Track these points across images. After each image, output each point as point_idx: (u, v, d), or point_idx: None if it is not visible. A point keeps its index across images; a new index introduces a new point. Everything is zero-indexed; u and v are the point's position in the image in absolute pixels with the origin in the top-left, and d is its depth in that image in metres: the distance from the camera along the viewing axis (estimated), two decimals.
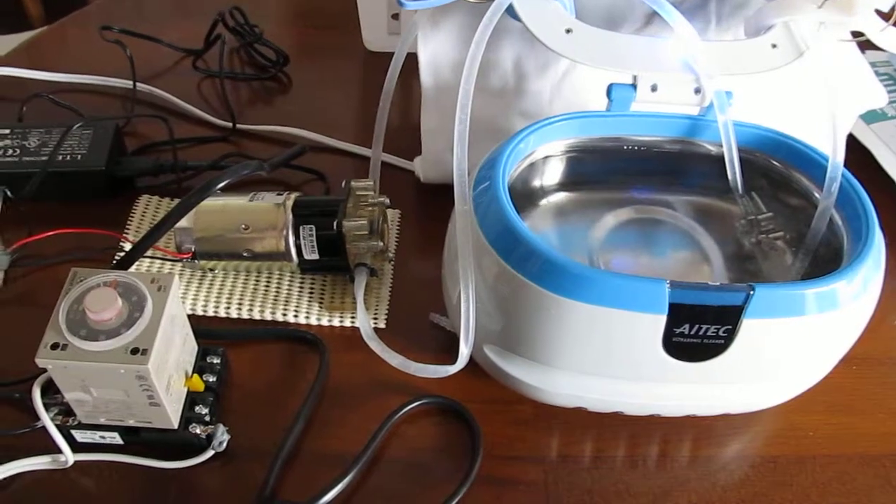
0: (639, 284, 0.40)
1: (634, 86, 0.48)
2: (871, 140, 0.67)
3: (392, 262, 0.58)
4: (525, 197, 0.50)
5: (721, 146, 0.49)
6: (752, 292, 0.40)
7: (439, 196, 0.63)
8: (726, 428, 0.51)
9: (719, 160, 0.49)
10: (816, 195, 0.47)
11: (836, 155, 0.46)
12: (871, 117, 0.68)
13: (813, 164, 0.47)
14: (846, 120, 0.47)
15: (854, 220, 0.45)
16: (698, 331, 0.41)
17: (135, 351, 0.42)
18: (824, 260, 0.46)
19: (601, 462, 0.49)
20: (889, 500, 0.49)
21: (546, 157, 0.49)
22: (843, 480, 0.49)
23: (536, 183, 0.51)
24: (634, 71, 0.47)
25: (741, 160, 0.48)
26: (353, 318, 0.55)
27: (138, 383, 0.43)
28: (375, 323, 0.55)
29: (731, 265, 0.49)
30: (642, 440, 0.50)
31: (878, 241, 0.43)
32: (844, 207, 0.46)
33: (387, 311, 0.55)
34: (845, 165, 0.46)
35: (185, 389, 0.48)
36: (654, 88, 0.48)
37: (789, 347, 0.43)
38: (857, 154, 0.65)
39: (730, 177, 0.49)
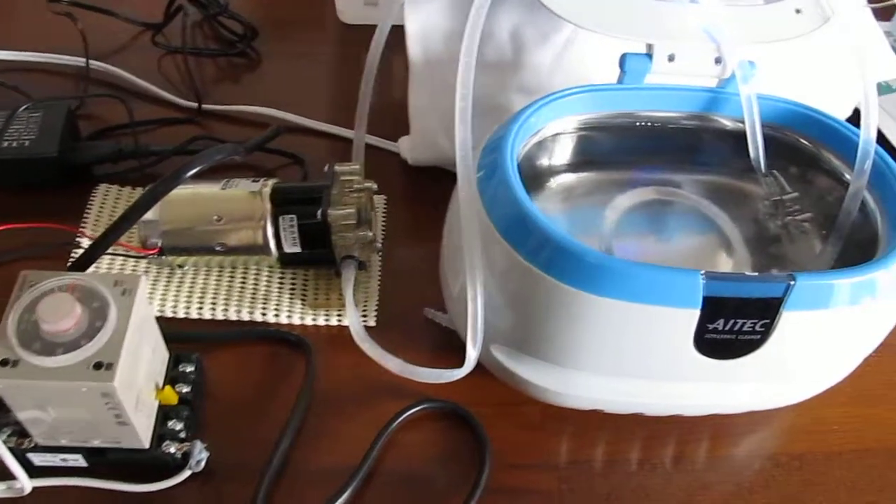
0: (670, 276, 0.36)
1: (650, 55, 0.43)
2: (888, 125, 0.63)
3: (380, 253, 0.53)
4: (532, 178, 0.45)
5: (741, 122, 0.45)
6: (792, 283, 0.36)
7: (427, 178, 0.58)
8: (747, 425, 0.47)
9: (740, 137, 0.45)
10: (847, 175, 0.43)
11: (868, 130, 0.42)
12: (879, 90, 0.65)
13: (843, 140, 0.44)
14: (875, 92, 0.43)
15: (889, 202, 0.41)
16: (733, 326, 0.37)
17: (98, 366, 0.37)
18: (857, 245, 0.43)
19: (618, 466, 0.45)
20: None
21: (556, 134, 0.44)
22: (871, 477, 0.46)
23: (544, 162, 0.46)
24: (651, 39, 0.43)
25: (764, 136, 0.44)
26: (340, 315, 0.50)
27: (103, 401, 0.37)
28: (365, 321, 0.50)
29: (755, 249, 0.45)
30: (660, 441, 0.46)
31: None
32: (878, 188, 0.42)
33: (377, 307, 0.51)
34: None
35: (157, 403, 0.43)
36: (671, 58, 0.43)
37: (826, 341, 0.39)
38: None
39: (752, 154, 0.45)
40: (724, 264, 0.44)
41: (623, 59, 0.43)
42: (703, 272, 0.36)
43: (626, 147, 0.46)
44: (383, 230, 0.55)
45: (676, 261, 0.44)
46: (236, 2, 0.69)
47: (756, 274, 0.36)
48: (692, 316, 0.36)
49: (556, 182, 0.46)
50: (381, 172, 0.55)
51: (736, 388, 0.42)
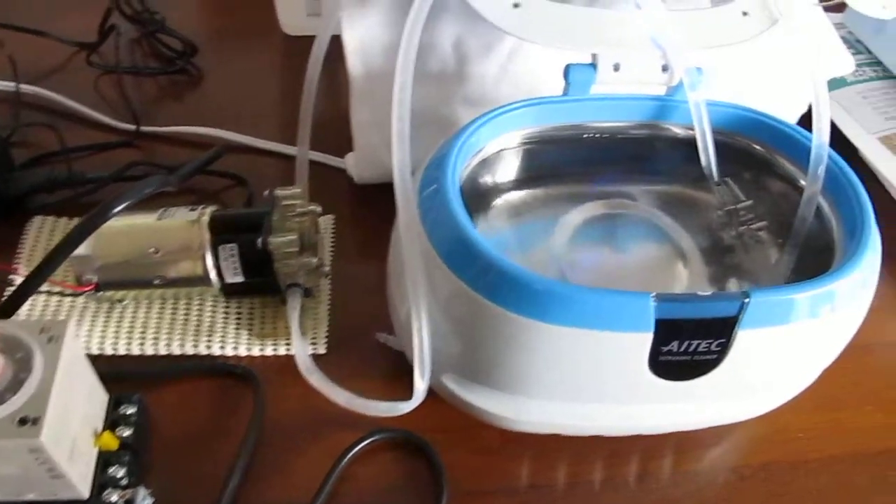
0: (620, 300, 0.34)
1: (594, 65, 0.42)
2: (832, 108, 0.62)
3: (329, 277, 0.51)
4: (477, 197, 0.44)
5: (692, 129, 0.43)
6: (747, 301, 0.35)
7: (377, 194, 0.56)
8: (711, 438, 0.46)
9: (691, 144, 0.44)
10: (801, 181, 0.42)
11: (821, 134, 0.41)
12: (831, 85, 0.64)
13: (796, 145, 0.43)
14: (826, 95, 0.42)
15: (844, 207, 0.40)
16: (688, 347, 0.36)
17: (23, 421, 0.34)
18: (813, 251, 0.41)
19: (580, 487, 0.44)
20: (889, 501, 0.45)
21: (499, 150, 0.43)
22: (839, 484, 0.45)
23: (489, 180, 0.44)
24: (594, 49, 0.42)
25: (716, 144, 0.43)
26: (289, 344, 0.48)
27: (33, 457, 0.35)
28: (315, 349, 0.48)
29: (710, 260, 0.44)
30: (622, 459, 0.45)
31: (874, 231, 0.39)
32: (833, 193, 0.41)
33: (327, 334, 0.49)
34: None
35: (96, 450, 0.41)
36: (616, 68, 0.42)
37: (786, 355, 0.38)
38: None
39: (703, 163, 0.44)
40: (680, 277, 0.43)
41: (567, 71, 0.42)
42: (653, 295, 0.34)
43: (574, 160, 0.45)
44: (332, 251, 0.53)
45: (631, 276, 0.43)
46: (176, 17, 0.67)
47: (709, 293, 0.35)
48: (645, 340, 0.35)
49: (503, 200, 0.45)
50: (328, 190, 0.54)
51: (696, 406, 0.41)
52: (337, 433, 0.44)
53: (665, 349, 0.36)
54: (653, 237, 0.45)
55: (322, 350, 0.48)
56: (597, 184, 0.46)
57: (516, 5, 0.41)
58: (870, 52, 0.68)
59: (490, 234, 0.43)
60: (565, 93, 0.43)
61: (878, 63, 0.67)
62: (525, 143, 0.43)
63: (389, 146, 0.50)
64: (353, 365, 0.47)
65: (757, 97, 0.45)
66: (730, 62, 0.46)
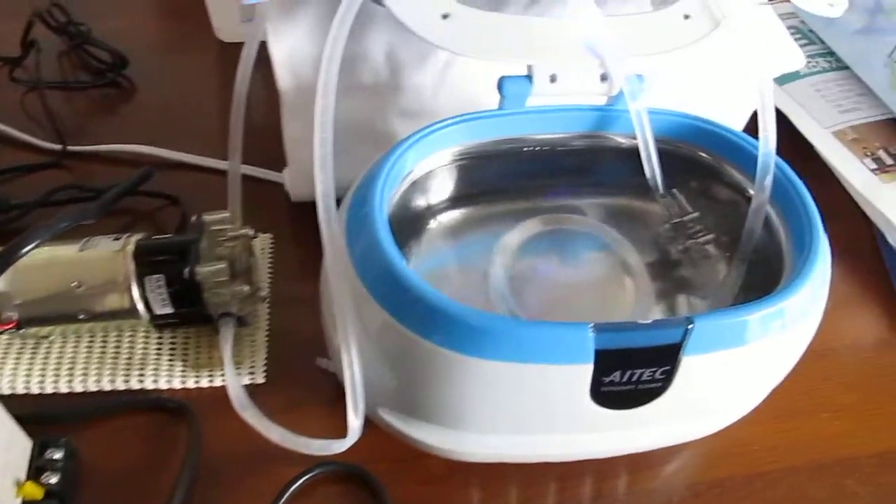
0: (556, 332, 0.33)
1: (530, 77, 0.40)
2: (785, 103, 0.61)
3: (267, 301, 0.49)
4: (410, 221, 0.42)
5: (636, 139, 0.42)
6: (690, 326, 0.33)
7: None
8: (665, 455, 0.45)
9: (636, 155, 0.42)
10: (750, 190, 0.41)
11: (767, 142, 0.39)
12: (783, 79, 0.63)
13: (742, 153, 0.41)
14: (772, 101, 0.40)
15: (792, 218, 0.39)
16: (631, 377, 0.34)
17: None
18: (762, 264, 0.40)
19: None
20: None
21: (431, 170, 0.41)
22: (795, 497, 0.44)
23: (423, 202, 0.42)
24: (529, 60, 0.40)
25: (660, 153, 0.42)
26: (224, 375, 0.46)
27: None
28: (252, 379, 0.46)
29: (658, 276, 0.42)
30: (575, 482, 0.43)
31: (823, 243, 0.37)
32: (780, 203, 0.40)
33: (265, 362, 0.47)
34: None
35: (19, 501, 0.39)
36: (553, 79, 0.40)
37: (735, 377, 0.37)
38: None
39: (648, 174, 0.42)
40: (627, 295, 0.41)
41: (501, 84, 0.40)
42: (592, 325, 0.33)
43: (515, 174, 0.43)
44: (270, 272, 0.51)
45: (576, 296, 0.41)
46: (105, 27, 0.64)
47: (650, 321, 0.33)
48: (585, 371, 0.33)
49: (439, 221, 0.43)
50: (266, 206, 0.51)
51: (644, 431, 0.39)
52: (278, 467, 0.42)
53: (607, 380, 0.34)
54: (599, 253, 0.43)
55: (260, 379, 0.46)
56: (542, 198, 0.44)
57: (445, 16, 0.39)
58: (822, 41, 0.67)
59: (428, 258, 0.41)
60: (501, 106, 0.41)
61: (832, 53, 0.66)
62: (460, 160, 0.41)
63: None
64: (293, 393, 0.45)
65: (702, 103, 0.44)
66: (672, 68, 0.44)
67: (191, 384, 0.46)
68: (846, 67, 0.64)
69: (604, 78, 0.40)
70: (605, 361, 0.33)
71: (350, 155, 0.39)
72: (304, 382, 0.46)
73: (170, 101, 0.61)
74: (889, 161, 0.58)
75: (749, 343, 0.34)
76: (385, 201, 0.36)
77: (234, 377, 0.42)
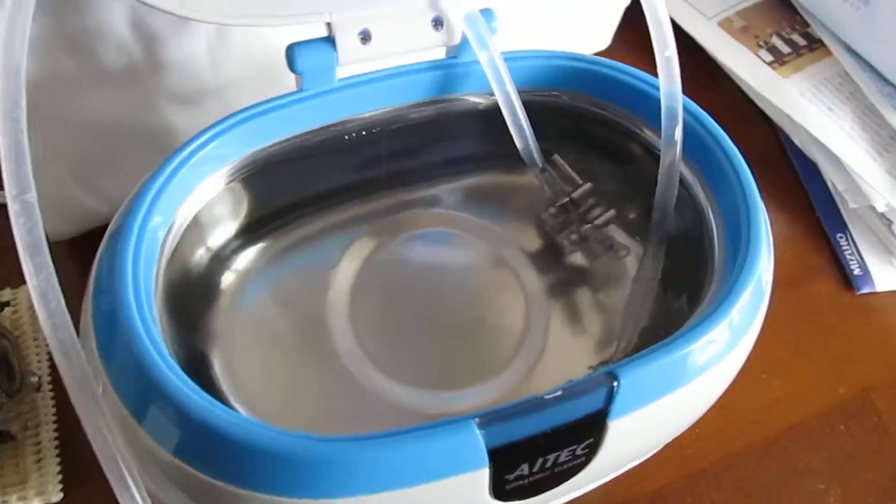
0: (427, 443, 0.22)
1: (332, 39, 0.27)
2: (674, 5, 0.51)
3: (49, 386, 0.36)
4: (197, 286, 0.29)
5: (493, 95, 0.30)
6: (615, 385, 0.23)
7: (95, 245, 0.40)
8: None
9: (497, 115, 0.30)
10: (656, 147, 0.30)
11: (670, 80, 0.29)
12: None
13: (639, 95, 0.30)
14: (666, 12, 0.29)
15: (715, 179, 0.29)
16: (544, 464, 0.24)
17: None
18: (684, 245, 0.30)
19: None
20: (805, 486, 0.37)
21: (206, 203, 0.28)
22: (744, 487, 0.37)
23: (202, 253, 0.29)
24: (323, 16, 0.27)
25: (529, 110, 0.30)
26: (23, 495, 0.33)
27: None
28: (45, 498, 0.34)
29: (549, 269, 0.32)
30: None
31: (762, 216, 0.27)
32: (697, 158, 0.29)
33: (60, 472, 0.34)
34: None
35: None
36: (365, 38, 0.27)
37: (676, 417, 0.27)
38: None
39: (519, 144, 0.31)
40: (517, 304, 0.31)
41: (291, 56, 0.27)
42: (476, 419, 0.22)
43: (336, 175, 0.31)
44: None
45: (450, 327, 0.30)
46: None
47: (559, 392, 0.23)
48: (479, 477, 0.23)
49: (235, 272, 0.30)
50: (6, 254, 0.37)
51: (566, 496, 0.29)
52: None
53: (512, 476, 0.24)
54: (466, 255, 0.32)
55: (55, 497, 0.34)
56: (380, 197, 0.32)
57: None
58: None
59: (237, 329, 0.29)
60: (300, 87, 0.28)
61: None
62: (247, 173, 0.28)
63: (76, 183, 0.35)
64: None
65: (562, 35, 0.32)
66: None
67: None
68: None
69: (437, 23, 0.28)
70: (505, 458, 0.23)
71: (117, 173, 0.27)
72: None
73: None
74: (786, 49, 0.49)
75: (692, 380, 0.25)
76: (142, 269, 0.24)
77: None
